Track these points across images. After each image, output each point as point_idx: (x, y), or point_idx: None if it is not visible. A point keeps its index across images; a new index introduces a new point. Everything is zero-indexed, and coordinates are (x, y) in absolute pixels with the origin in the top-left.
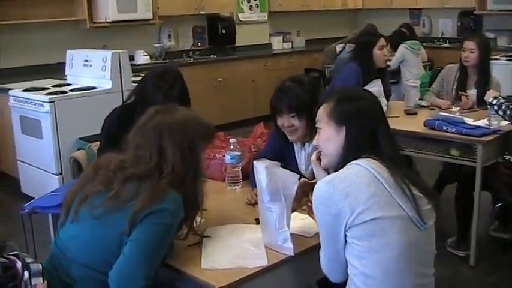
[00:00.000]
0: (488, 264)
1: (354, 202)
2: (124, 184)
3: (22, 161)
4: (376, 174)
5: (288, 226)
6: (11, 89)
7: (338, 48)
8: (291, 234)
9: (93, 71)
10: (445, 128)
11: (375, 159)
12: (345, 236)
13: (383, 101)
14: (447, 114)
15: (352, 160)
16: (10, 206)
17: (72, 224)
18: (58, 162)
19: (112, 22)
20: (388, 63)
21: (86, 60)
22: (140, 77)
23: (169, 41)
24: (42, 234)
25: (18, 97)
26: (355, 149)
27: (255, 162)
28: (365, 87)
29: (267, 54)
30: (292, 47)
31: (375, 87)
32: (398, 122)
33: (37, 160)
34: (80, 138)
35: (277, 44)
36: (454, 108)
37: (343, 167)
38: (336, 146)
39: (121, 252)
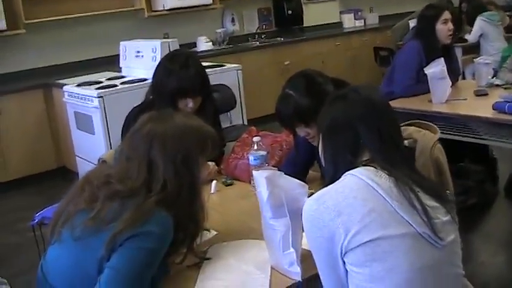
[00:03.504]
0: None
1: (348, 221)
2: (107, 202)
3: (79, 157)
4: (375, 186)
5: (296, 246)
6: (65, 85)
7: (412, 23)
8: (303, 251)
9: (144, 62)
10: None
11: (373, 166)
12: (344, 263)
13: (447, 82)
14: None
15: (346, 170)
16: None
17: (54, 246)
18: None
19: (170, 9)
20: (466, 37)
21: (138, 51)
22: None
23: (233, 25)
24: None
25: (71, 92)
26: (339, 159)
27: (254, 172)
28: (426, 68)
29: (337, 33)
30: (365, 24)
31: (437, 66)
32: (465, 106)
33: (91, 155)
34: None
35: (348, 21)
36: None
37: (338, 179)
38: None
39: None
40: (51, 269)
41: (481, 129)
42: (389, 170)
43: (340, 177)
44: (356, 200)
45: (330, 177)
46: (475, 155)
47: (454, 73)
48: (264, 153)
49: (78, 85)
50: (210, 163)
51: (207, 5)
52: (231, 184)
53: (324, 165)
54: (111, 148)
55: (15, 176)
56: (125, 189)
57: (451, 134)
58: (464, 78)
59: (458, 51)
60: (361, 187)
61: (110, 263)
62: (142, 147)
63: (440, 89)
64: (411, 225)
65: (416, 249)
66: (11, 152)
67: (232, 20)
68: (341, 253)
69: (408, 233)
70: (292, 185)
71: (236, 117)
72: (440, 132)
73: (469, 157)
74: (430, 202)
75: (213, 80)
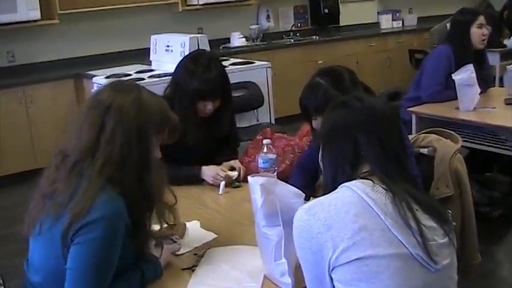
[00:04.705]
0: None
1: (337, 237)
2: (66, 181)
3: None
4: (369, 201)
5: (288, 256)
6: (95, 76)
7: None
8: (296, 262)
9: (173, 56)
10: None
11: (371, 179)
12: (332, 279)
13: (475, 89)
14: None
15: (344, 180)
16: None
17: (31, 239)
18: None
19: (205, 4)
20: (506, 42)
21: (168, 46)
22: (232, 61)
23: (268, 21)
24: None
25: (99, 84)
26: (337, 168)
27: (249, 178)
28: (454, 74)
29: (372, 34)
30: (403, 25)
31: (466, 73)
32: (494, 114)
33: None
34: None
35: (386, 22)
36: None
37: (335, 189)
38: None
39: None
40: (29, 265)
41: (509, 139)
42: (387, 185)
43: (338, 187)
44: (347, 215)
45: (328, 187)
46: (504, 165)
47: (485, 80)
48: (273, 156)
49: (107, 77)
50: (232, 173)
51: (242, 1)
52: (238, 186)
53: (323, 172)
54: None
55: (44, 164)
56: (74, 154)
57: (478, 144)
58: (502, 85)
59: (496, 57)
60: (354, 201)
61: (67, 264)
62: (98, 112)
63: (468, 96)
64: (404, 245)
65: (406, 271)
66: (40, 140)
67: (268, 17)
68: (329, 268)
69: (399, 253)
70: (288, 193)
71: (263, 115)
72: (467, 141)
73: (498, 167)
74: (427, 222)
75: (242, 76)
